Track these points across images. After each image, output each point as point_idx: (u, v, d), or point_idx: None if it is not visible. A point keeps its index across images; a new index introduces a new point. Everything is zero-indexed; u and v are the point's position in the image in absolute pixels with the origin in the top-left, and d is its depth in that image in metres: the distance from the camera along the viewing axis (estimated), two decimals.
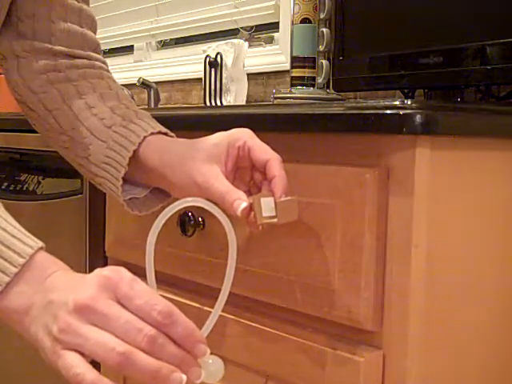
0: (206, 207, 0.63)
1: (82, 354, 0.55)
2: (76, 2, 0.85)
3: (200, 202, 0.63)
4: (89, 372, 0.54)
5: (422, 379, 0.73)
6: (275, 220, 0.69)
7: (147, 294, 0.56)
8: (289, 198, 0.69)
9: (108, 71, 0.88)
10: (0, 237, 0.59)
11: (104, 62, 0.88)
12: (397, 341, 0.73)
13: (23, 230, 0.61)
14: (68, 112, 0.82)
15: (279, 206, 0.68)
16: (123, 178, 0.78)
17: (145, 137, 0.77)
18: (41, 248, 0.60)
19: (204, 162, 0.71)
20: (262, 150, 0.71)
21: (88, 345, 0.54)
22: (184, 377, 0.55)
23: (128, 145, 0.77)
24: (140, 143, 0.77)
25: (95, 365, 0.55)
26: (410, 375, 0.72)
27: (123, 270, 0.57)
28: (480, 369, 0.80)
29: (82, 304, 0.55)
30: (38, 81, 0.83)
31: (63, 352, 0.55)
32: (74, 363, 0.54)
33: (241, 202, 0.68)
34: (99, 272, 0.57)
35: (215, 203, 0.65)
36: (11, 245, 0.59)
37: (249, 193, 0.73)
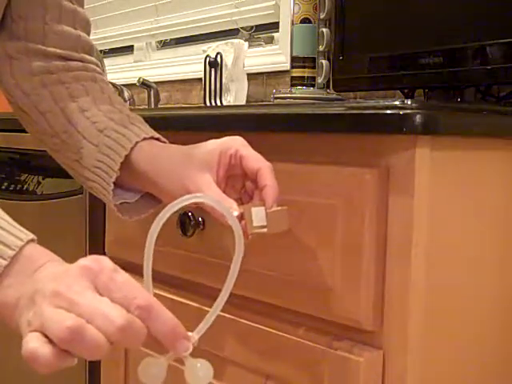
0: (213, 204, 0.62)
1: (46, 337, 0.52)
2: (70, 4, 0.85)
3: (206, 199, 0.62)
4: (42, 346, 0.51)
5: (422, 379, 0.73)
6: (265, 230, 0.69)
7: (127, 286, 0.54)
8: (280, 208, 0.70)
9: (101, 74, 0.88)
10: None
11: (97, 65, 0.88)
12: (397, 341, 0.73)
13: (14, 223, 0.60)
14: (60, 115, 0.81)
15: (270, 216, 0.69)
16: (114, 183, 0.78)
17: (137, 142, 0.77)
18: (31, 240, 0.59)
19: (196, 170, 0.72)
20: (253, 159, 0.71)
21: (46, 323, 0.52)
22: None
23: (120, 150, 0.77)
24: (132, 148, 0.77)
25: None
26: (410, 375, 0.72)
27: (105, 260, 0.55)
28: (480, 368, 0.80)
29: (56, 291, 0.53)
30: (30, 83, 0.83)
31: (27, 334, 0.52)
32: (29, 338, 0.51)
33: (232, 210, 0.68)
34: (81, 261, 0.55)
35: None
36: (0, 237, 0.58)
37: (240, 201, 0.74)
